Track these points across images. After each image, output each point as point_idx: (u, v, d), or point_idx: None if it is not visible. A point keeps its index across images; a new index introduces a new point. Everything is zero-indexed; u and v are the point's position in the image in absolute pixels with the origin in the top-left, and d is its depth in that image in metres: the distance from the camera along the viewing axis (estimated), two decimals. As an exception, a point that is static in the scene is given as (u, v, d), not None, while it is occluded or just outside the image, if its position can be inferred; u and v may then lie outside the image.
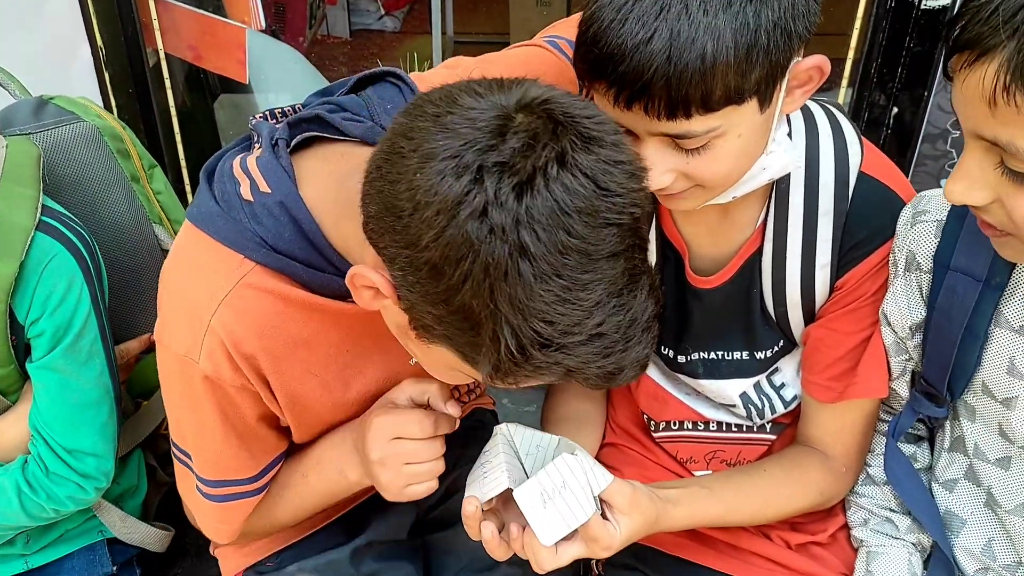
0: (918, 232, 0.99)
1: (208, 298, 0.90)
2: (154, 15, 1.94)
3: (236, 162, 0.93)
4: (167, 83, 2.03)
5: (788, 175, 1.01)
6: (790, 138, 1.01)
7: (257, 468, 1.03)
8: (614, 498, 0.95)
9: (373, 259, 0.81)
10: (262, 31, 2.13)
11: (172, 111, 2.07)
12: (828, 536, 1.18)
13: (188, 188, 2.19)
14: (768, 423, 1.20)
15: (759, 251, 1.07)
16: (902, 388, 1.08)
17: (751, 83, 0.83)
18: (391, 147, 0.76)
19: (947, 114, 1.79)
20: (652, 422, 1.26)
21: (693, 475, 1.25)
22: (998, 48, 0.70)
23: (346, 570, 1.16)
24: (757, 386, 1.16)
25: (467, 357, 0.78)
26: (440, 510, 1.26)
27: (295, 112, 0.99)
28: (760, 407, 1.17)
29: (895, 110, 1.86)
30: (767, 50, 0.81)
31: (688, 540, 1.18)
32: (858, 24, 1.81)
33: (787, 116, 0.99)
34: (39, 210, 1.13)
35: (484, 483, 0.95)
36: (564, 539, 0.92)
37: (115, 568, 1.37)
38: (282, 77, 2.30)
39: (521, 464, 0.98)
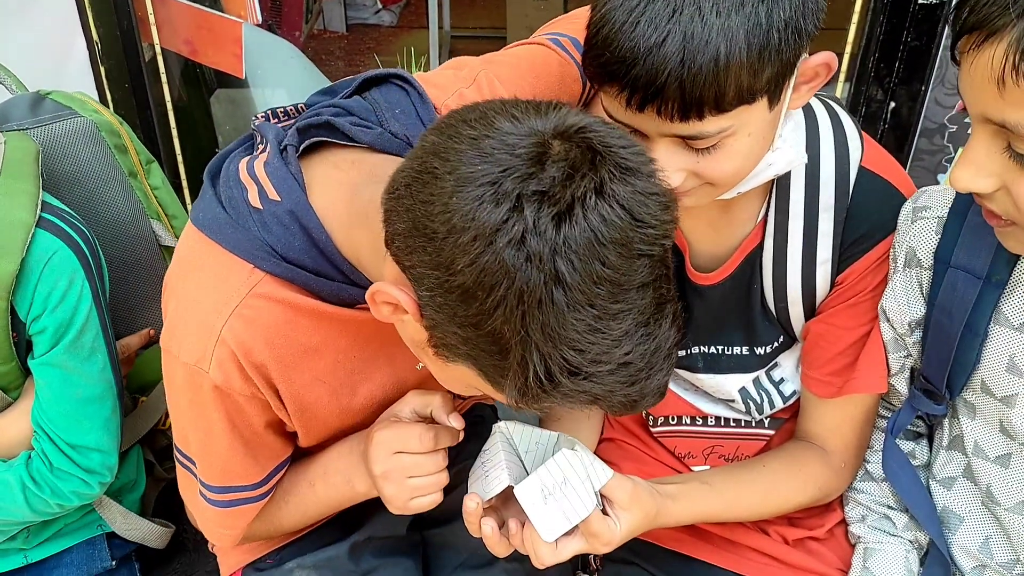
0: (919, 228, 0.99)
1: (218, 308, 0.89)
2: (150, 9, 1.93)
3: (242, 166, 0.92)
4: (163, 78, 2.02)
5: (789, 170, 1.01)
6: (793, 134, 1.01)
7: (262, 474, 1.03)
8: (614, 493, 0.95)
9: (394, 274, 0.80)
10: (258, 25, 2.12)
11: (168, 106, 2.06)
12: (825, 532, 1.18)
13: (185, 183, 2.18)
14: (767, 418, 1.20)
15: (759, 247, 1.07)
16: (901, 385, 1.08)
17: (762, 82, 0.82)
18: (423, 166, 0.75)
19: (944, 109, 1.79)
20: (650, 417, 1.26)
21: (691, 470, 1.25)
22: (1007, 28, 0.70)
23: (345, 566, 1.16)
24: (756, 381, 1.16)
25: (491, 379, 0.78)
26: (439, 505, 1.26)
27: (298, 112, 0.98)
28: (759, 402, 1.18)
29: (892, 105, 1.86)
30: (778, 49, 0.81)
31: (685, 535, 1.18)
32: (855, 19, 1.81)
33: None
34: (39, 206, 1.12)
35: (486, 482, 0.95)
36: (564, 535, 0.92)
37: (114, 563, 1.37)
38: (278, 72, 2.29)
39: (521, 461, 0.98)
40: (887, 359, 1.06)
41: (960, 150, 1.81)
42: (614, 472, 0.94)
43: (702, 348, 1.16)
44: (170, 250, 1.42)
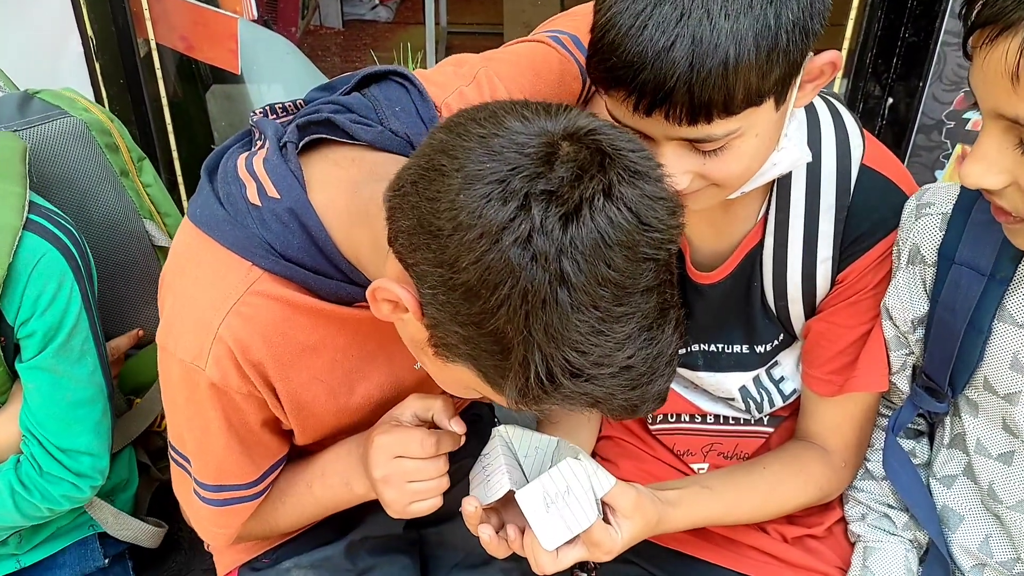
0: (922, 225, 0.99)
1: (216, 306, 0.88)
2: (145, 5, 1.92)
3: (241, 162, 0.91)
4: (158, 74, 2.02)
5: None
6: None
7: (257, 473, 1.02)
8: (617, 501, 0.94)
9: (396, 272, 0.80)
10: (254, 21, 2.11)
11: (164, 102, 2.05)
12: (824, 530, 1.18)
13: (180, 180, 2.18)
14: (766, 416, 1.20)
15: (760, 244, 1.06)
16: (902, 383, 1.08)
17: (770, 84, 0.81)
18: (429, 163, 0.75)
19: (942, 105, 1.78)
20: (649, 415, 1.25)
21: (690, 467, 1.25)
22: (1021, 22, 0.70)
23: (342, 565, 1.15)
24: (756, 380, 1.16)
25: (490, 380, 0.77)
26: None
27: (296, 108, 0.98)
28: (759, 401, 1.17)
29: (890, 101, 1.86)
30: (786, 50, 0.80)
31: (684, 534, 1.18)
32: (853, 14, 1.81)
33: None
34: (26, 208, 1.11)
35: (487, 486, 0.94)
36: (565, 543, 0.92)
37: (107, 561, 1.36)
38: (274, 68, 2.28)
39: (520, 465, 0.98)
40: (888, 357, 1.06)
41: (958, 146, 1.81)
42: (617, 480, 0.94)
43: (702, 346, 1.16)
44: (164, 250, 1.41)
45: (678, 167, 0.87)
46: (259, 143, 0.93)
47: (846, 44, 1.86)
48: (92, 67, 1.89)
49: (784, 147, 0.94)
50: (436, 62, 1.10)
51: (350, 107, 0.94)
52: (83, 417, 1.17)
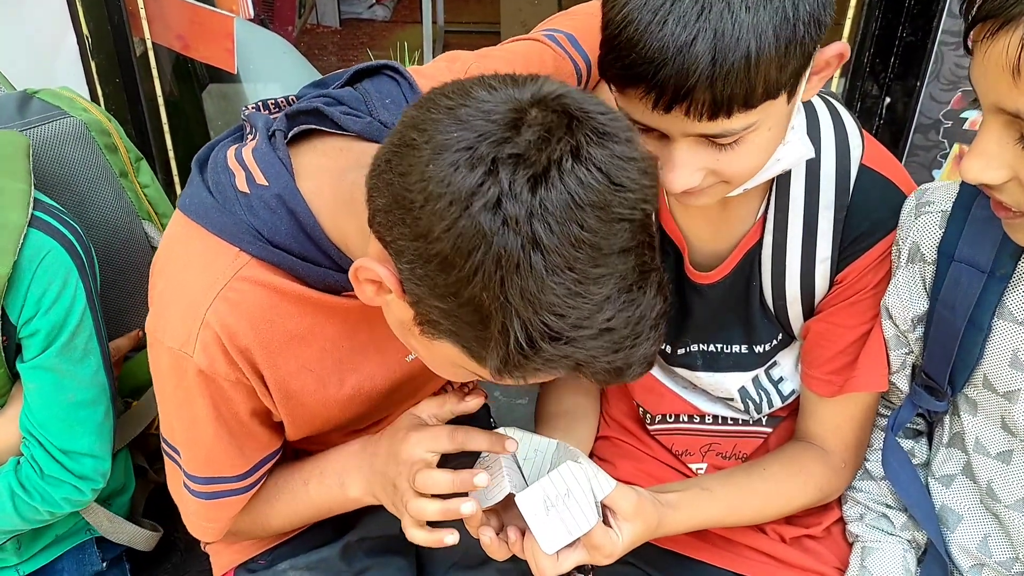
0: (923, 223, 0.99)
1: (203, 291, 0.88)
2: (141, 4, 1.92)
3: (230, 152, 0.92)
4: (154, 73, 2.01)
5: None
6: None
7: (247, 465, 1.02)
8: (618, 504, 0.94)
9: (378, 253, 0.80)
10: (250, 20, 2.11)
11: (159, 101, 2.05)
12: (823, 530, 1.18)
13: (177, 179, 2.17)
14: (764, 417, 1.20)
15: (759, 244, 1.06)
16: (902, 382, 1.08)
17: (787, 76, 0.81)
18: (401, 139, 0.75)
19: (940, 104, 1.78)
20: (648, 415, 1.25)
21: (689, 467, 1.25)
22: (1022, 16, 0.70)
23: (338, 566, 1.15)
24: (755, 380, 1.16)
25: (474, 353, 0.77)
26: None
27: (288, 104, 0.98)
28: (758, 402, 1.17)
29: (888, 100, 1.86)
30: (802, 42, 0.79)
31: (682, 535, 1.17)
32: (851, 13, 1.81)
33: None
34: (31, 205, 1.10)
35: (487, 489, 0.94)
36: (566, 546, 0.91)
37: (104, 565, 1.36)
38: (271, 67, 2.28)
39: (519, 468, 0.98)
40: (888, 357, 1.06)
41: (956, 146, 1.81)
42: (617, 483, 0.94)
43: (701, 346, 1.15)
44: (162, 252, 1.40)
45: (692, 163, 0.86)
46: (250, 136, 0.93)
47: (836, 42, 1.86)
48: (88, 66, 1.89)
49: (789, 141, 0.93)
50: (433, 60, 1.10)
51: (341, 100, 0.95)
52: (85, 418, 1.16)
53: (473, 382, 1.34)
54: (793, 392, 1.17)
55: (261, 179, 0.88)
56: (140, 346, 1.41)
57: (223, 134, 0.98)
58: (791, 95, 0.85)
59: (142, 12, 1.93)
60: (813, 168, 1.01)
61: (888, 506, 1.12)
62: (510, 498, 0.91)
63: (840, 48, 0.88)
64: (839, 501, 1.18)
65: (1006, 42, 0.71)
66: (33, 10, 1.85)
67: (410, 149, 0.73)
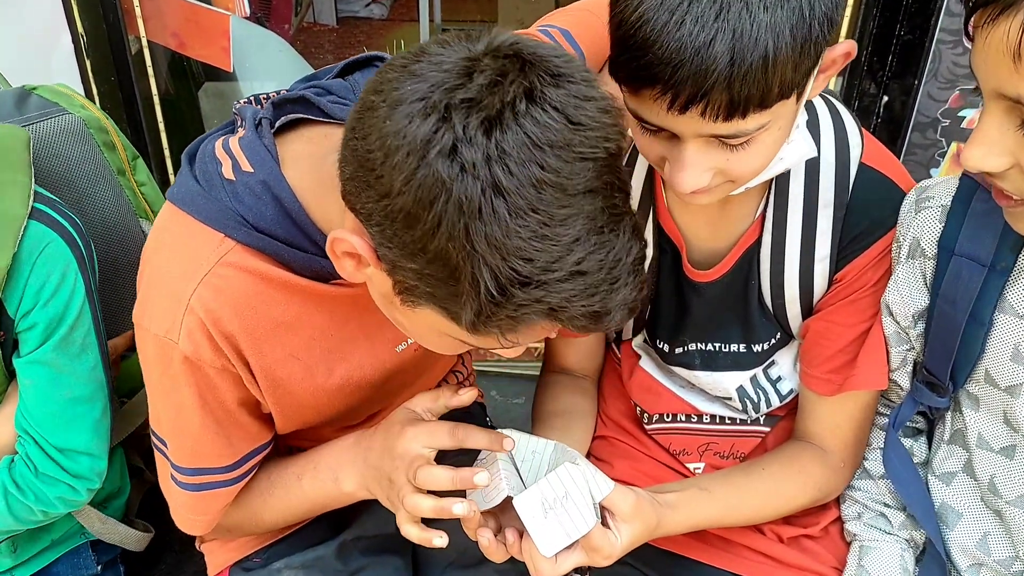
0: (923, 218, 0.98)
1: (187, 277, 0.88)
2: (136, 2, 1.91)
3: (219, 143, 0.92)
4: (150, 71, 2.00)
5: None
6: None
7: (235, 456, 1.01)
8: (616, 505, 0.94)
9: (352, 224, 0.80)
10: (247, 18, 2.10)
11: (155, 100, 2.04)
12: (820, 529, 1.17)
13: (172, 178, 2.16)
14: (762, 416, 1.20)
15: (757, 243, 1.06)
16: (903, 379, 1.07)
17: (800, 76, 0.81)
18: (362, 104, 0.75)
19: (938, 103, 1.78)
20: (645, 414, 1.25)
21: (686, 467, 1.25)
22: (1022, 1, 0.70)
23: (333, 565, 1.15)
24: (754, 380, 1.16)
25: (452, 314, 0.76)
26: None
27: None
28: (756, 401, 1.17)
29: (885, 99, 1.85)
30: (816, 41, 0.79)
31: (679, 535, 1.17)
32: (848, 12, 1.80)
33: None
34: (31, 197, 1.09)
35: (484, 492, 0.93)
36: (564, 548, 0.91)
37: (99, 568, 1.35)
38: (267, 65, 2.27)
39: (517, 470, 0.97)
40: (888, 354, 1.05)
41: (953, 144, 1.81)
42: (616, 484, 0.93)
43: (699, 345, 1.15)
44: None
45: (703, 163, 0.86)
46: (240, 128, 0.94)
47: (842, 40, 1.86)
48: (83, 64, 1.88)
49: (794, 140, 0.93)
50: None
51: (330, 89, 0.95)
52: (82, 415, 1.15)
53: (468, 378, 1.34)
54: (791, 391, 1.17)
55: (247, 166, 0.88)
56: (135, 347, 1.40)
57: (214, 128, 0.98)
58: (800, 95, 0.85)
59: (137, 10, 1.92)
60: (812, 166, 1.01)
61: (886, 505, 1.12)
62: (508, 500, 0.91)
63: (848, 47, 0.88)
64: (837, 500, 1.18)
65: (1007, 27, 0.71)
66: (28, 8, 1.84)
67: (370, 112, 0.73)
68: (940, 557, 1.06)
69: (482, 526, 0.94)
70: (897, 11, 1.75)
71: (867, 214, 1.02)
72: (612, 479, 0.94)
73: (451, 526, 0.95)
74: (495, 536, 0.95)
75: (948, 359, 0.99)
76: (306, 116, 0.94)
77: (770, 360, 1.15)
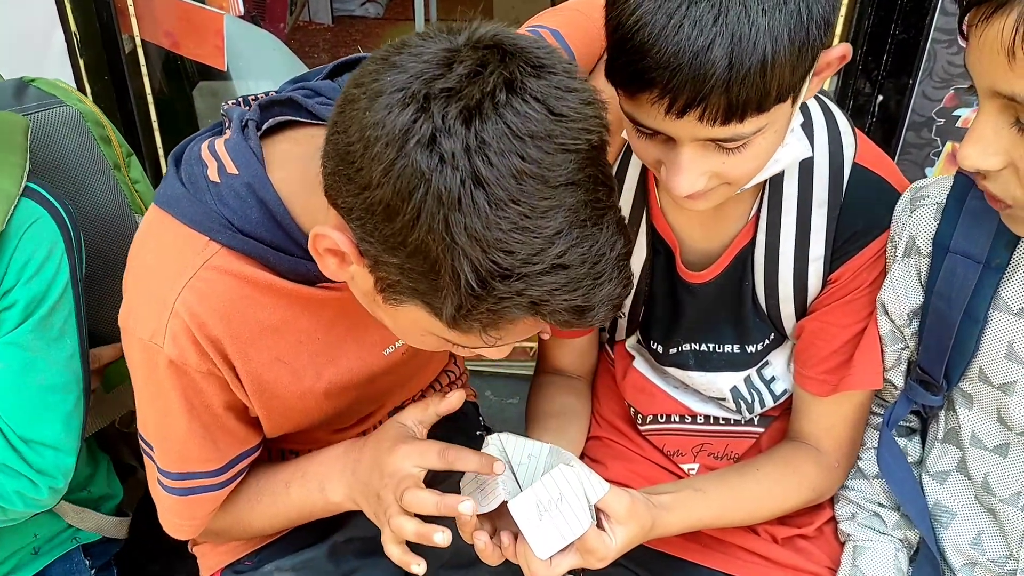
0: (918, 216, 0.98)
1: (172, 281, 0.88)
2: (129, 1, 1.90)
3: (204, 145, 0.91)
4: (143, 70, 1.99)
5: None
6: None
7: (222, 461, 1.00)
8: (611, 507, 0.93)
9: (335, 221, 0.80)
10: (241, 17, 2.10)
11: (149, 98, 2.03)
12: (814, 529, 1.17)
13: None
14: (756, 416, 1.20)
15: (751, 244, 1.06)
16: (898, 378, 1.07)
17: (797, 79, 0.80)
18: (344, 98, 0.75)
19: (932, 102, 1.78)
20: (639, 415, 1.25)
21: (680, 468, 1.25)
22: None
23: (325, 567, 1.14)
24: (748, 380, 1.15)
25: (434, 309, 0.76)
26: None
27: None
28: (750, 401, 1.17)
29: (880, 98, 1.85)
30: (813, 45, 0.79)
31: (673, 536, 1.17)
32: (843, 11, 1.80)
33: None
34: (25, 178, 1.07)
35: (480, 495, 0.93)
36: (559, 550, 0.91)
37: (93, 572, 1.33)
38: (262, 64, 2.27)
39: (513, 474, 0.97)
40: (883, 354, 1.05)
41: (948, 144, 1.81)
42: (611, 486, 0.93)
43: (693, 346, 1.15)
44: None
45: (699, 167, 0.85)
46: (227, 130, 0.93)
47: (836, 41, 1.86)
48: (76, 63, 1.87)
49: (788, 143, 0.93)
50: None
51: (318, 91, 0.95)
52: (54, 405, 1.10)
53: (461, 378, 1.34)
54: (785, 392, 1.17)
55: (232, 168, 0.88)
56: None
57: (202, 130, 0.97)
58: (796, 98, 0.84)
59: (131, 9, 1.91)
60: (806, 167, 1.01)
61: (880, 505, 1.12)
62: (504, 503, 0.91)
63: (843, 50, 0.87)
64: (831, 500, 1.18)
65: (1001, 25, 0.71)
66: (20, 6, 1.83)
67: (351, 104, 0.73)
68: (933, 557, 1.06)
69: (478, 529, 0.94)
70: (892, 10, 1.75)
71: (861, 214, 1.01)
72: (606, 480, 0.94)
73: (445, 525, 0.94)
74: (491, 538, 0.94)
75: (942, 357, 0.99)
76: (294, 118, 0.93)
77: (764, 360, 1.15)
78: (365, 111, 0.70)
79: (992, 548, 1.01)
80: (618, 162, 1.08)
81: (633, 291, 1.12)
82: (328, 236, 0.78)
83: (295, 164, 0.89)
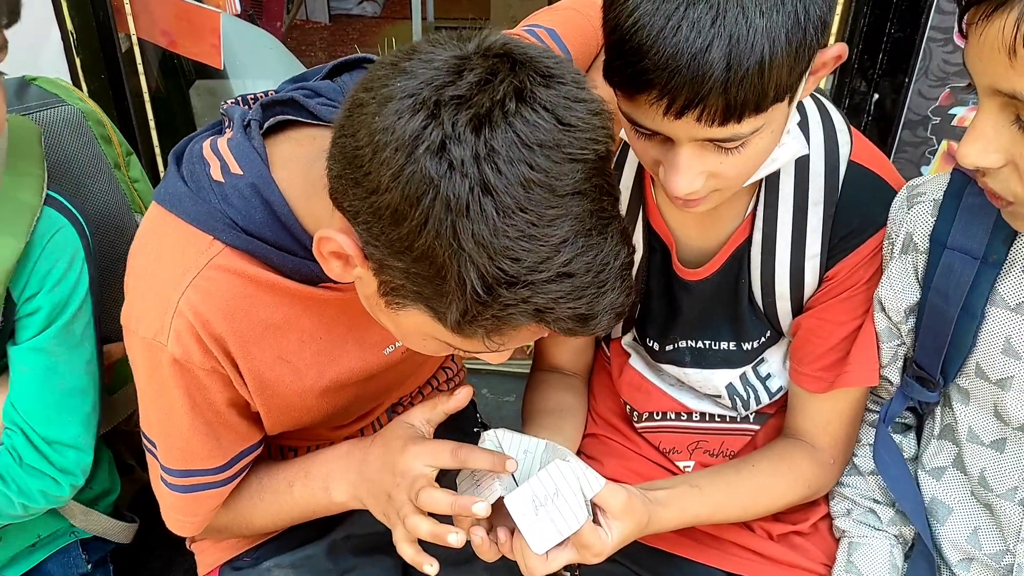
0: (916, 213, 0.99)
1: (176, 280, 0.88)
2: (126, -1, 1.90)
3: (206, 144, 0.91)
4: (140, 69, 1.99)
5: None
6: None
7: (225, 458, 1.01)
8: (608, 502, 0.94)
9: (340, 224, 0.80)
10: (238, 15, 2.09)
11: (145, 97, 2.03)
12: (810, 526, 1.18)
13: (163, 176, 2.15)
14: (752, 413, 1.20)
15: (748, 241, 1.06)
16: (894, 375, 1.08)
17: (795, 78, 0.81)
18: (352, 102, 0.75)
19: (928, 101, 1.78)
20: (635, 413, 1.25)
21: (676, 465, 1.25)
22: None
23: (324, 564, 1.14)
24: (743, 377, 1.16)
25: (436, 313, 0.76)
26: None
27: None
28: (745, 398, 1.17)
29: (876, 97, 1.85)
30: (810, 45, 0.79)
31: (669, 532, 1.17)
32: (839, 10, 1.80)
33: None
34: (45, 188, 1.08)
35: (477, 491, 0.94)
36: (555, 546, 0.91)
37: (90, 567, 1.34)
38: (258, 63, 2.27)
39: None
40: (880, 350, 1.06)
41: (944, 142, 1.81)
42: (607, 481, 0.93)
43: (689, 343, 1.15)
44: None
45: (696, 167, 0.86)
46: (228, 129, 0.93)
47: (832, 39, 1.86)
48: (72, 61, 1.87)
49: (784, 143, 0.93)
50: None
51: (318, 91, 0.95)
52: (74, 407, 1.14)
53: (458, 375, 1.34)
54: (780, 389, 1.17)
55: (236, 168, 0.88)
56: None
57: (201, 129, 0.97)
58: (792, 97, 0.85)
59: (127, 8, 1.91)
60: (802, 165, 1.01)
61: (876, 501, 1.12)
62: (499, 499, 0.91)
63: (839, 50, 0.88)
64: (826, 497, 1.18)
65: (1002, 23, 0.71)
66: (17, 5, 1.83)
67: (359, 109, 0.73)
68: (929, 552, 1.06)
69: (474, 524, 0.94)
70: (888, 9, 1.75)
71: (857, 212, 1.02)
72: (603, 477, 0.94)
73: (441, 522, 0.95)
74: (487, 534, 0.94)
75: (939, 353, 0.99)
76: (294, 118, 0.93)
77: (760, 358, 1.15)
78: (374, 116, 0.71)
79: (989, 543, 1.02)
80: (614, 160, 1.09)
81: None
82: (333, 239, 0.78)
83: (297, 165, 0.90)
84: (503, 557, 0.96)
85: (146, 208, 1.39)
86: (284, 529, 1.14)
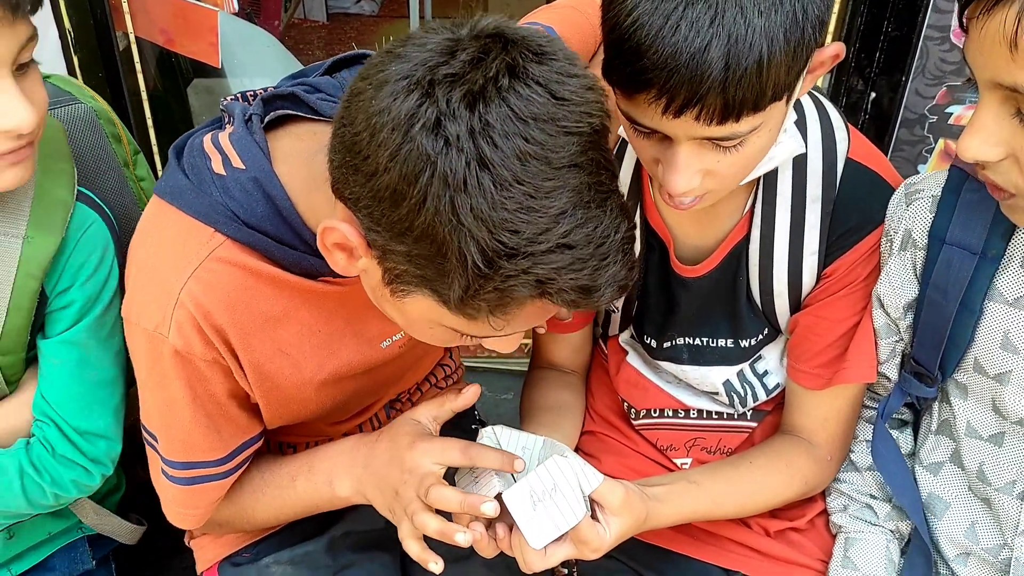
0: (914, 209, 0.99)
1: (177, 271, 0.88)
2: (124, -3, 1.90)
3: (207, 138, 0.92)
4: (138, 67, 1.99)
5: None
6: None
7: (226, 450, 1.01)
8: (606, 498, 0.94)
9: (342, 214, 0.81)
10: (236, 14, 2.09)
11: (143, 96, 2.03)
12: (806, 522, 1.18)
13: (161, 174, 2.15)
14: (749, 411, 1.20)
15: (746, 239, 1.06)
16: (891, 371, 1.08)
17: (792, 77, 0.81)
18: (351, 92, 0.77)
19: (925, 99, 1.79)
20: (632, 410, 1.25)
21: (673, 462, 1.25)
22: None
23: (322, 561, 1.15)
24: (740, 374, 1.16)
25: (440, 295, 0.77)
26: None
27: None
28: (743, 395, 1.17)
29: (873, 95, 1.86)
30: (808, 44, 0.79)
31: (666, 529, 1.17)
32: (836, 8, 1.81)
33: None
34: (76, 183, 1.09)
35: (475, 488, 0.94)
36: (553, 541, 0.91)
37: (94, 563, 1.34)
38: (256, 61, 2.27)
39: None
40: (877, 347, 1.06)
41: (941, 141, 1.81)
42: (605, 477, 0.93)
43: (687, 340, 1.16)
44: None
45: (694, 165, 0.86)
46: (228, 124, 0.94)
47: (829, 38, 1.86)
48: (70, 60, 1.87)
49: (781, 141, 0.94)
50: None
51: (318, 87, 0.95)
52: (105, 399, 1.14)
53: (456, 372, 1.34)
54: (778, 386, 1.17)
55: (238, 162, 0.88)
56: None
57: (202, 125, 0.98)
58: (790, 96, 0.85)
59: (125, 6, 1.91)
60: (800, 162, 1.01)
61: (872, 496, 1.13)
62: (498, 495, 0.91)
63: (836, 49, 0.88)
64: (823, 493, 1.19)
65: (1003, 16, 0.71)
66: (14, 3, 1.82)
67: (357, 97, 0.74)
68: (925, 547, 1.06)
69: (473, 520, 0.94)
70: (884, 8, 1.76)
71: (855, 209, 1.02)
72: (601, 473, 0.94)
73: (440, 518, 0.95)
74: (486, 530, 0.95)
75: (937, 348, 1.00)
76: (295, 112, 0.94)
77: (757, 355, 1.15)
78: (371, 100, 0.72)
79: (986, 537, 1.02)
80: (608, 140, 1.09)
81: None
82: (336, 229, 0.79)
83: (298, 160, 0.90)
84: (501, 553, 0.96)
85: (151, 207, 1.40)
86: (285, 524, 1.14)
